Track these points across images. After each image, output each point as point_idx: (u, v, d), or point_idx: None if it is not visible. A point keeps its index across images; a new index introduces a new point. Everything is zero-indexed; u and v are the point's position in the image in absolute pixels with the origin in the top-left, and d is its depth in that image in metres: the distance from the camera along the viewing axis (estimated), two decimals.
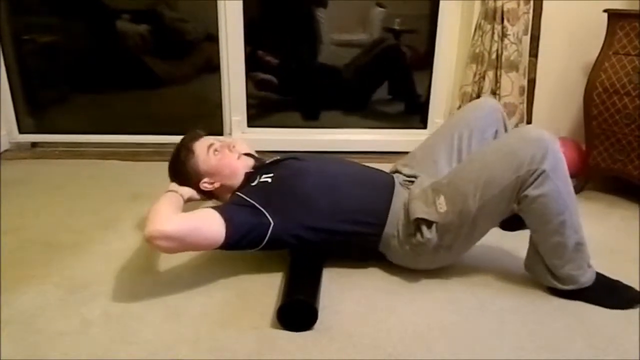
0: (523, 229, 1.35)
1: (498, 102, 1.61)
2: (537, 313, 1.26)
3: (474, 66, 2.24)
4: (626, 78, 1.83)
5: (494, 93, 2.23)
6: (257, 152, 1.70)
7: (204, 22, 2.42)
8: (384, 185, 1.44)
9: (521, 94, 2.24)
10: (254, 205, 1.32)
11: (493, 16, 2.14)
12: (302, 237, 1.34)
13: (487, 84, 2.22)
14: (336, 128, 2.56)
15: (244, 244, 1.30)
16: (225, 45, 2.36)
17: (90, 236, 1.62)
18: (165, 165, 1.55)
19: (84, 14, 2.42)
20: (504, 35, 2.14)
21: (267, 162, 1.53)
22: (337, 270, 1.42)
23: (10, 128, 2.49)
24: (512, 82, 2.18)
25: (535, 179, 1.20)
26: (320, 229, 1.34)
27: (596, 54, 1.93)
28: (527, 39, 2.21)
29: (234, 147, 1.54)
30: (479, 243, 1.36)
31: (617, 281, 1.32)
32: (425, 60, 2.47)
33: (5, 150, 2.47)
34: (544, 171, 1.19)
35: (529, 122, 2.31)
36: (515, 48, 2.15)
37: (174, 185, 1.48)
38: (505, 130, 1.56)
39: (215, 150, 1.51)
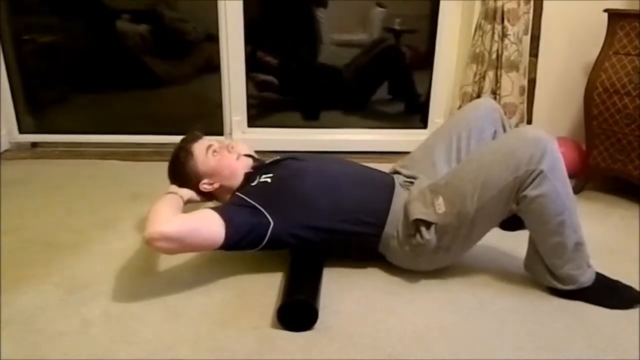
0: (523, 229, 1.35)
1: (496, 103, 1.61)
2: (537, 313, 1.26)
3: (474, 66, 2.24)
4: (626, 78, 1.83)
5: (494, 93, 2.23)
6: (258, 152, 1.71)
7: (204, 22, 2.42)
8: (384, 186, 1.44)
9: (521, 93, 2.24)
10: (254, 205, 1.32)
11: (493, 16, 2.14)
12: (302, 236, 1.34)
13: (488, 84, 2.22)
14: (336, 128, 2.56)
15: (244, 244, 1.30)
16: (226, 45, 2.36)
17: (90, 236, 1.62)
18: (165, 165, 1.55)
19: (84, 14, 2.42)
20: (504, 35, 2.14)
21: (267, 162, 1.53)
22: (337, 270, 1.42)
23: (11, 128, 2.49)
24: (512, 82, 2.18)
25: (534, 180, 1.20)
26: (320, 228, 1.34)
27: (596, 54, 1.93)
28: (527, 39, 2.21)
29: (232, 147, 1.54)
30: (478, 243, 1.36)
31: (617, 281, 1.32)
32: (426, 60, 2.47)
33: (6, 150, 2.47)
34: (542, 171, 1.19)
35: (529, 122, 2.31)
36: (515, 48, 2.15)
37: (174, 187, 1.49)
38: (504, 130, 1.56)
39: (214, 151, 1.51)
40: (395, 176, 1.53)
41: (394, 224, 1.36)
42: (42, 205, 1.85)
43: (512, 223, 1.48)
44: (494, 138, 1.54)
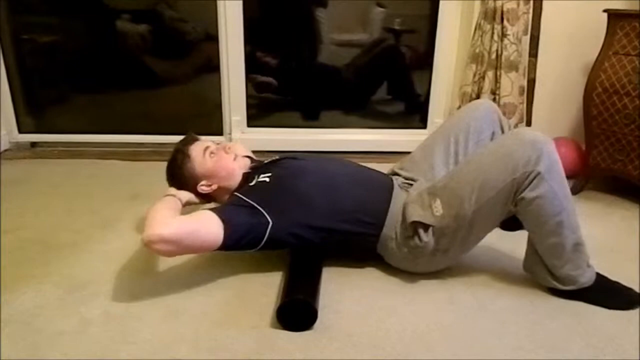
0: (522, 229, 1.35)
1: (494, 104, 1.61)
2: (537, 313, 1.26)
3: (473, 66, 2.24)
4: (626, 78, 1.83)
5: (493, 93, 2.23)
6: (257, 152, 1.71)
7: (204, 22, 2.42)
8: (383, 186, 1.44)
9: (521, 94, 2.24)
10: (252, 205, 1.32)
11: (493, 16, 2.14)
12: (301, 236, 1.34)
13: (487, 84, 2.22)
14: (336, 128, 2.57)
15: (243, 245, 1.30)
16: (225, 45, 2.36)
17: (90, 236, 1.62)
18: (164, 165, 1.56)
19: (83, 13, 2.42)
20: (503, 35, 2.14)
21: (265, 162, 1.53)
22: (336, 270, 1.42)
23: (10, 128, 2.49)
24: (511, 82, 2.18)
25: (531, 181, 1.20)
26: (319, 227, 1.34)
27: (596, 54, 1.93)
28: (526, 39, 2.21)
29: (229, 148, 1.54)
30: (478, 243, 1.36)
31: (617, 282, 1.32)
32: (425, 60, 2.47)
33: (5, 150, 2.47)
34: (539, 173, 1.19)
35: (529, 122, 2.32)
36: (515, 48, 2.15)
37: (172, 190, 1.49)
38: (503, 131, 1.56)
39: (212, 152, 1.52)
40: (394, 178, 1.53)
41: (392, 225, 1.36)
42: (41, 205, 1.85)
43: (511, 223, 1.48)
44: (492, 139, 1.54)
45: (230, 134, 2.48)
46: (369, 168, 1.53)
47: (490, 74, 2.21)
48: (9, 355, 1.08)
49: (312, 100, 2.63)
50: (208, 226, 1.25)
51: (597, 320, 1.23)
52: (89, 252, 1.52)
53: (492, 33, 2.16)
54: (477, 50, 2.22)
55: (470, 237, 1.32)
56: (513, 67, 2.17)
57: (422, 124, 2.56)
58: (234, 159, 1.53)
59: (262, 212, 1.31)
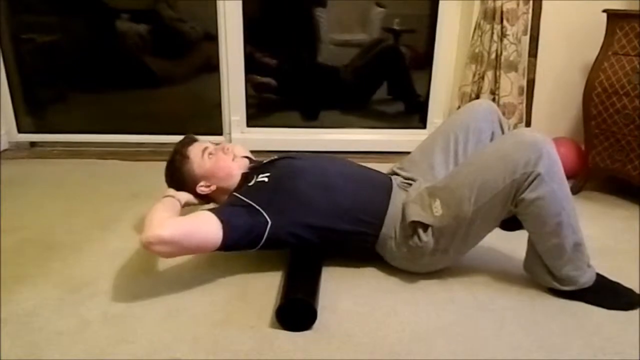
0: (522, 229, 1.35)
1: (494, 104, 1.61)
2: (537, 313, 1.26)
3: (473, 66, 2.24)
4: (625, 78, 1.83)
5: (493, 93, 2.23)
6: (257, 152, 1.71)
7: (203, 22, 2.42)
8: (382, 186, 1.44)
9: (520, 94, 2.24)
10: (251, 204, 1.32)
11: (492, 16, 2.14)
12: (301, 235, 1.34)
13: (487, 84, 2.22)
14: (335, 128, 2.57)
15: (242, 245, 1.30)
16: (225, 44, 2.36)
17: (89, 236, 1.62)
18: (164, 165, 1.56)
19: (83, 13, 2.42)
20: (503, 35, 2.14)
21: (264, 162, 1.53)
22: (336, 269, 1.42)
23: (10, 127, 2.49)
24: (511, 82, 2.19)
25: (531, 183, 1.20)
26: (318, 227, 1.34)
27: (595, 55, 1.93)
28: (526, 39, 2.21)
29: (228, 149, 1.54)
30: (478, 243, 1.36)
31: (618, 283, 1.32)
32: (425, 60, 2.47)
33: (5, 150, 2.46)
34: (539, 174, 1.19)
35: (528, 122, 2.32)
36: (514, 48, 2.15)
37: (171, 191, 1.50)
38: (502, 131, 1.56)
39: (210, 153, 1.52)
40: (393, 177, 1.53)
41: (391, 224, 1.36)
42: (41, 205, 1.85)
43: (511, 223, 1.48)
44: (491, 139, 1.54)
45: (229, 133, 2.48)
46: (367, 167, 1.53)
47: (489, 74, 2.21)
48: (8, 354, 1.08)
49: (311, 100, 2.63)
50: (207, 227, 1.25)
51: (597, 320, 1.23)
52: (88, 252, 1.52)
53: (492, 33, 2.16)
54: (476, 51, 2.22)
55: (469, 237, 1.32)
56: (513, 67, 2.17)
57: (422, 124, 2.57)
58: (233, 159, 1.53)
59: (260, 212, 1.31)
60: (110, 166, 2.29)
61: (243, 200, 1.34)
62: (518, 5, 2.12)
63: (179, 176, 1.51)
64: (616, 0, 2.10)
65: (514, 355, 1.11)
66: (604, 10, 1.90)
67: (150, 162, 2.28)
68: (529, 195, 1.20)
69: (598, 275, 1.30)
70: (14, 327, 1.17)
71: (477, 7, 2.23)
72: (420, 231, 1.31)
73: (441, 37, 2.39)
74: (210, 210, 1.30)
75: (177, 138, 1.62)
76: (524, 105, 2.27)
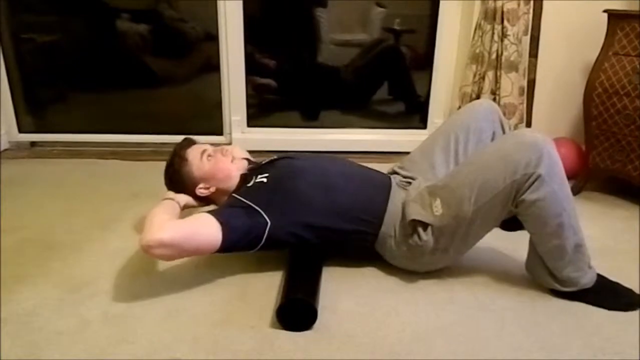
0: (523, 229, 1.35)
1: (495, 104, 1.61)
2: (537, 313, 1.26)
3: (473, 66, 2.24)
4: (626, 79, 1.83)
5: (493, 93, 2.23)
6: (257, 152, 1.71)
7: (204, 22, 2.42)
8: (381, 185, 1.44)
9: (521, 94, 2.24)
10: (250, 205, 1.32)
11: (493, 16, 2.14)
12: (300, 235, 1.34)
13: (487, 85, 2.22)
14: (336, 128, 2.56)
15: (241, 246, 1.30)
16: (225, 44, 2.36)
17: (89, 235, 1.61)
18: (164, 165, 1.56)
19: (83, 13, 2.42)
20: (503, 35, 2.14)
21: (263, 163, 1.53)
22: (336, 269, 1.42)
23: (10, 127, 2.49)
24: (512, 83, 2.18)
25: (532, 184, 1.19)
26: (318, 226, 1.34)
27: (596, 55, 1.93)
28: (527, 40, 2.21)
29: (226, 151, 1.54)
30: (479, 243, 1.36)
31: (618, 284, 1.32)
32: (425, 61, 2.47)
33: (5, 150, 2.46)
34: (539, 175, 1.18)
35: (529, 122, 2.32)
36: (515, 48, 2.15)
37: (170, 193, 1.50)
38: (503, 131, 1.56)
39: (209, 155, 1.52)
40: (392, 176, 1.53)
41: (390, 223, 1.36)
42: (41, 204, 1.85)
43: (512, 223, 1.48)
44: (492, 139, 1.54)
45: (230, 133, 2.48)
46: (366, 167, 1.53)
47: (490, 74, 2.21)
48: (8, 354, 1.08)
49: (312, 100, 2.62)
50: (206, 229, 1.25)
51: (597, 320, 1.23)
52: (88, 252, 1.52)
53: (493, 33, 2.16)
54: (477, 51, 2.22)
55: (469, 236, 1.32)
56: (513, 67, 2.17)
57: (422, 124, 2.56)
58: (231, 160, 1.53)
59: (260, 213, 1.31)
60: (111, 166, 2.29)
61: (242, 201, 1.34)
62: (519, 5, 2.12)
63: (178, 179, 1.52)
64: (616, 0, 2.10)
65: (514, 356, 1.11)
66: (605, 11, 1.90)
67: (150, 162, 2.28)
68: (529, 196, 1.20)
69: (598, 275, 1.30)
70: (14, 327, 1.17)
71: (477, 7, 2.23)
72: (420, 230, 1.31)
73: (442, 37, 2.39)
74: (209, 212, 1.30)
75: (178, 138, 1.62)
76: (525, 105, 2.27)
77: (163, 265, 1.44)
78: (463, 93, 2.28)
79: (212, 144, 1.60)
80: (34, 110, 2.54)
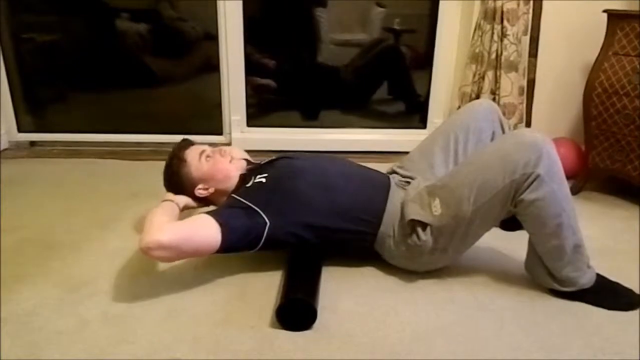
0: (522, 229, 1.35)
1: (494, 104, 1.61)
2: (536, 313, 1.26)
3: (473, 66, 2.24)
4: (625, 79, 1.83)
5: (493, 93, 2.23)
6: (257, 152, 1.71)
7: (204, 21, 2.42)
8: (380, 185, 1.45)
9: (520, 94, 2.24)
10: (249, 206, 1.32)
11: (493, 16, 2.14)
12: (299, 235, 1.34)
13: (487, 84, 2.22)
14: (336, 128, 2.56)
15: (241, 246, 1.31)
16: (225, 44, 2.36)
17: (89, 235, 1.61)
18: (164, 165, 1.55)
19: (83, 12, 2.42)
20: (503, 35, 2.14)
21: (262, 163, 1.53)
22: (336, 269, 1.42)
23: (10, 127, 2.49)
24: (511, 83, 2.19)
25: (531, 183, 1.19)
26: (317, 226, 1.34)
27: (595, 55, 1.93)
28: (526, 39, 2.21)
29: (224, 151, 1.54)
30: (478, 243, 1.36)
31: (617, 284, 1.32)
32: (425, 60, 2.47)
33: (5, 149, 2.46)
34: (538, 175, 1.18)
35: (529, 122, 2.32)
36: (514, 48, 2.15)
37: (170, 195, 1.50)
38: (503, 131, 1.56)
39: (207, 156, 1.52)
40: (391, 176, 1.53)
41: (389, 223, 1.36)
42: (40, 204, 1.85)
43: (511, 223, 1.48)
44: (492, 139, 1.54)
45: (230, 133, 2.48)
46: (365, 166, 1.53)
47: (490, 74, 2.21)
48: (8, 354, 1.08)
49: (311, 100, 2.62)
50: (205, 230, 1.25)
51: (597, 320, 1.23)
52: (88, 251, 1.52)
53: (492, 33, 2.16)
54: (477, 51, 2.22)
55: (468, 236, 1.32)
56: (513, 67, 2.17)
57: (422, 124, 2.56)
58: (230, 161, 1.53)
59: (259, 213, 1.31)
60: (110, 166, 2.29)
61: (241, 201, 1.34)
62: (518, 5, 2.12)
63: (176, 180, 1.52)
64: (616, 0, 2.10)
65: (514, 356, 1.11)
66: (604, 11, 1.90)
67: (150, 162, 2.27)
68: (528, 195, 1.20)
69: (598, 275, 1.30)
70: (13, 327, 1.17)
71: (477, 7, 2.23)
72: (419, 230, 1.31)
73: (441, 37, 2.39)
74: (208, 213, 1.30)
75: (177, 138, 1.62)
76: (524, 105, 2.27)
77: (163, 265, 1.44)
78: (463, 93, 2.29)
79: (211, 144, 1.60)
80: (34, 109, 2.54)
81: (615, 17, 1.88)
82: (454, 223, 1.28)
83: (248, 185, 1.42)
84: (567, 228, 1.22)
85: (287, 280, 1.29)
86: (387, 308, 1.26)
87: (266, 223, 1.31)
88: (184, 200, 1.50)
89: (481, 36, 2.19)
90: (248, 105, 2.48)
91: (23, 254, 1.50)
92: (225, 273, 1.40)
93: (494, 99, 2.21)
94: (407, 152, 1.65)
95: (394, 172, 1.57)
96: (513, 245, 1.53)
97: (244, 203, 1.33)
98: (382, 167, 1.59)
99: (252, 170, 1.50)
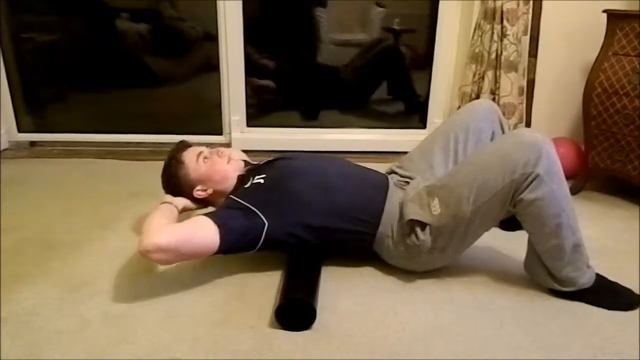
0: (522, 229, 1.35)
1: (494, 104, 1.61)
2: (536, 313, 1.26)
3: (473, 66, 2.24)
4: (625, 79, 1.83)
5: (493, 93, 2.23)
6: (257, 152, 1.71)
7: (204, 22, 2.42)
8: (378, 185, 1.45)
9: (520, 94, 2.24)
10: (247, 206, 1.32)
11: (492, 16, 2.14)
12: (298, 235, 1.34)
13: (487, 84, 2.22)
14: (335, 128, 2.57)
15: (240, 247, 1.31)
16: (225, 44, 2.36)
17: (89, 235, 1.62)
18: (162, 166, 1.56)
19: (83, 12, 2.42)
20: (503, 35, 2.14)
21: (261, 164, 1.53)
22: (335, 269, 1.42)
23: (9, 127, 2.49)
24: (511, 83, 2.19)
25: (530, 183, 1.19)
26: (315, 227, 1.34)
27: (595, 55, 1.93)
28: (526, 39, 2.21)
29: (222, 152, 1.54)
30: (477, 243, 1.36)
31: (617, 283, 1.32)
32: (425, 60, 2.47)
33: (5, 149, 2.46)
34: (538, 175, 1.18)
35: (528, 122, 2.32)
36: (514, 48, 2.15)
37: (168, 197, 1.50)
38: (503, 131, 1.56)
39: (205, 157, 1.52)
40: (390, 176, 1.53)
41: (388, 223, 1.36)
42: (40, 204, 1.85)
43: (511, 223, 1.48)
44: (492, 139, 1.54)
45: (229, 133, 2.48)
46: (363, 167, 1.53)
47: (489, 74, 2.21)
48: (8, 354, 1.08)
49: (311, 100, 2.62)
50: (204, 232, 1.25)
51: (597, 320, 1.23)
52: (88, 251, 1.52)
53: (492, 33, 2.16)
54: (476, 51, 2.22)
55: (467, 236, 1.32)
56: (513, 67, 2.17)
57: (422, 124, 2.57)
58: (228, 162, 1.53)
59: (257, 214, 1.31)
60: (110, 166, 2.29)
61: (239, 202, 1.34)
62: (518, 5, 2.12)
63: (175, 182, 1.52)
64: (616, 0, 2.10)
65: (513, 356, 1.11)
66: (604, 11, 1.90)
67: (150, 162, 2.27)
68: (528, 195, 1.20)
69: (597, 275, 1.30)
70: (14, 327, 1.17)
71: (477, 7, 2.23)
72: (418, 230, 1.31)
73: (441, 37, 2.39)
74: (206, 214, 1.30)
75: (177, 138, 1.62)
76: (524, 105, 2.27)
77: (163, 265, 1.44)
78: (462, 93, 2.29)
79: (209, 145, 1.60)
80: (34, 110, 2.54)
81: (615, 17, 1.88)
82: (453, 223, 1.28)
83: (246, 186, 1.42)
84: (566, 228, 1.22)
85: (287, 280, 1.29)
86: (386, 308, 1.26)
87: (264, 224, 1.31)
88: (182, 202, 1.50)
89: (481, 36, 2.19)
90: (248, 106, 2.48)
91: (23, 253, 1.50)
92: (224, 273, 1.40)
93: (493, 99, 2.21)
94: (406, 152, 1.65)
95: (393, 172, 1.57)
96: (513, 245, 1.53)
97: (242, 204, 1.33)
98: (382, 167, 1.59)
99: (251, 171, 1.50)
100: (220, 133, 2.51)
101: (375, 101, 2.66)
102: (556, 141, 2.08)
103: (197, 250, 1.26)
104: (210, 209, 1.50)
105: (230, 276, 1.39)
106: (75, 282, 1.35)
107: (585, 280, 1.27)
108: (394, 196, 1.41)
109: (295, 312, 1.17)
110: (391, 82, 2.64)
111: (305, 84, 2.63)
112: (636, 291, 1.31)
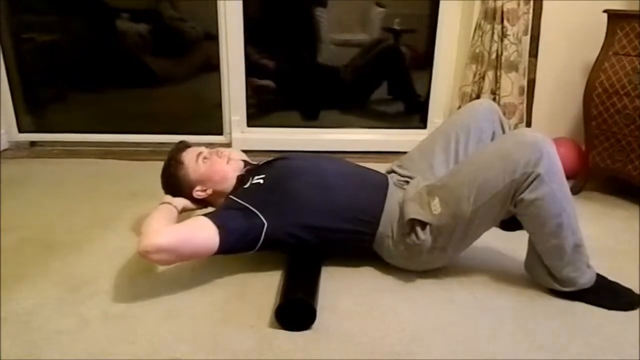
0: (522, 229, 1.35)
1: (495, 104, 1.61)
2: (536, 313, 1.26)
3: (473, 66, 2.24)
4: (626, 78, 1.83)
5: (493, 93, 2.23)
6: (257, 152, 1.70)
7: (204, 22, 2.42)
8: (378, 184, 1.44)
9: (521, 94, 2.24)
10: (246, 207, 1.32)
11: (493, 16, 2.14)
12: (298, 235, 1.34)
13: (487, 84, 2.22)
14: (336, 128, 2.57)
15: (239, 248, 1.31)
16: (225, 44, 2.36)
17: (89, 235, 1.62)
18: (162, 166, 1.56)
19: (83, 12, 2.42)
20: (503, 35, 2.14)
21: (260, 164, 1.53)
22: (335, 269, 1.42)
23: (10, 127, 2.49)
24: (511, 83, 2.18)
25: (531, 183, 1.19)
26: (315, 227, 1.34)
27: (596, 55, 1.93)
28: (527, 39, 2.21)
29: (222, 153, 1.54)
30: (477, 243, 1.36)
31: (617, 283, 1.32)
32: (425, 60, 2.47)
33: (5, 149, 2.46)
34: (538, 175, 1.18)
35: (529, 122, 2.32)
36: (515, 48, 2.15)
37: (168, 197, 1.50)
38: (503, 131, 1.56)
39: (205, 157, 1.52)
40: (389, 175, 1.53)
41: (388, 223, 1.36)
42: (40, 204, 1.85)
43: (511, 223, 1.48)
44: (492, 139, 1.54)
45: (230, 133, 2.48)
46: (363, 167, 1.53)
47: (490, 74, 2.21)
48: (8, 354, 1.08)
49: (311, 100, 2.62)
50: (203, 232, 1.25)
51: (597, 320, 1.23)
52: (88, 251, 1.52)
53: (492, 33, 2.16)
54: (477, 51, 2.22)
55: (467, 236, 1.32)
56: (513, 67, 2.17)
57: (422, 124, 2.57)
58: (227, 162, 1.53)
59: (256, 214, 1.31)
60: (110, 166, 2.29)
61: (239, 202, 1.34)
62: (519, 5, 2.12)
63: (174, 182, 1.52)
64: (616, 0, 2.10)
65: (513, 355, 1.11)
66: (605, 11, 1.90)
67: (150, 162, 2.27)
68: (528, 195, 1.20)
69: (598, 275, 1.30)
70: (13, 326, 1.17)
71: (477, 7, 2.23)
72: (418, 229, 1.30)
73: (441, 37, 2.39)
74: (205, 215, 1.30)
75: (177, 138, 1.62)
76: (525, 105, 2.27)
77: (162, 266, 1.44)
78: (463, 93, 2.28)
79: (209, 145, 1.60)
80: (34, 110, 2.54)
81: (615, 17, 1.87)
82: (453, 222, 1.28)
83: (246, 186, 1.42)
84: (567, 228, 1.22)
85: (287, 280, 1.29)
86: (386, 308, 1.26)
87: (264, 224, 1.31)
88: (182, 202, 1.50)
89: (481, 36, 2.19)
90: (248, 106, 2.48)
91: (23, 253, 1.50)
92: (224, 273, 1.40)
93: (494, 99, 2.21)
94: (406, 153, 1.65)
95: (393, 171, 1.57)
96: (513, 245, 1.53)
97: (242, 204, 1.33)
98: (382, 167, 1.59)
99: (250, 171, 1.50)
100: (220, 133, 2.51)
101: (376, 101, 2.66)
102: (557, 141, 2.08)
103: (196, 250, 1.26)
104: (210, 209, 1.49)
105: (230, 276, 1.39)
106: (75, 282, 1.35)
107: (586, 280, 1.27)
108: (394, 196, 1.41)
109: (295, 312, 1.17)
110: (391, 82, 2.64)
111: (305, 84, 2.63)
112: (636, 291, 1.31)
